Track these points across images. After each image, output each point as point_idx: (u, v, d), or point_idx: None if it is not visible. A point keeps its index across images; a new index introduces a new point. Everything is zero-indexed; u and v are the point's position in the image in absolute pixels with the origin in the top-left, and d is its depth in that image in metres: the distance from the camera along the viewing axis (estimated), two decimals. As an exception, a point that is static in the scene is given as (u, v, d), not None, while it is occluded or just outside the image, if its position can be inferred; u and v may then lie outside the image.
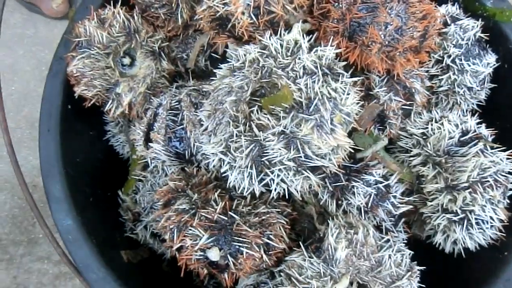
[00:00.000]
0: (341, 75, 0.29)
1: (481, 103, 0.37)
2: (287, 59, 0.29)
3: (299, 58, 0.29)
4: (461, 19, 0.35)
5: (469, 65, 0.34)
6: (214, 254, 0.29)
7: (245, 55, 0.31)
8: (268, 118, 0.29)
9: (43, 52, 0.81)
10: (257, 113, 0.30)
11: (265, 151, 0.29)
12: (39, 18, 0.82)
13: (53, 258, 0.71)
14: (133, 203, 0.39)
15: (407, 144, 0.35)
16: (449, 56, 0.34)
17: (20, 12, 0.83)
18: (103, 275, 0.31)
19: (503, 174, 0.30)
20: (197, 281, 0.43)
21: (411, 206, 0.33)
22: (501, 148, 0.31)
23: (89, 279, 0.32)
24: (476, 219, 0.31)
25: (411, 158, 0.34)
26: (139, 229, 0.38)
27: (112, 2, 0.37)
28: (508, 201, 0.32)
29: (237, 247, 0.29)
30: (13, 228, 0.73)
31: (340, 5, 0.31)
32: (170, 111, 0.35)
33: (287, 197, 0.34)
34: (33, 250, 0.72)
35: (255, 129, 0.29)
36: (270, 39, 0.31)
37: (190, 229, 0.29)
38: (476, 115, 0.35)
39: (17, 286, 0.70)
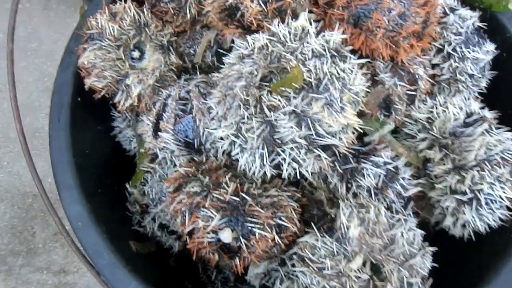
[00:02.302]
0: (348, 57, 0.30)
1: (482, 91, 0.38)
2: (296, 44, 0.30)
3: (308, 42, 0.30)
4: (460, 9, 0.37)
5: (470, 52, 0.35)
6: (226, 235, 0.29)
7: (253, 42, 0.32)
8: (278, 99, 0.29)
9: (45, 64, 0.82)
10: (267, 96, 0.30)
11: (276, 131, 0.29)
12: (43, 32, 0.84)
13: (53, 268, 0.70)
14: (141, 195, 0.38)
15: (412, 130, 0.35)
16: (450, 44, 0.36)
17: (25, 26, 0.85)
18: (112, 260, 0.31)
19: (510, 152, 0.31)
20: (204, 277, 0.42)
21: (420, 188, 0.33)
22: (506, 129, 0.32)
23: (98, 265, 0.31)
24: (485, 198, 0.31)
25: (417, 143, 0.34)
26: (147, 221, 0.38)
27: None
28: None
29: (249, 228, 0.29)
30: (12, 238, 0.72)
31: (346, -7, 0.32)
32: (179, 101, 0.36)
33: (297, 182, 0.35)
34: (32, 260, 0.70)
35: (266, 110, 0.29)
36: (278, 27, 0.32)
37: (203, 210, 0.29)
38: (479, 101, 0.36)
39: (16, 298, 0.68)
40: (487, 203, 0.31)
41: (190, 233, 0.30)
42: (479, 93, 0.38)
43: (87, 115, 0.39)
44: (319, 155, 0.29)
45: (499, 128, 0.32)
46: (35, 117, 0.78)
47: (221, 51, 0.39)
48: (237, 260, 0.31)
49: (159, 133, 0.36)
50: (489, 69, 0.38)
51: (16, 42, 0.84)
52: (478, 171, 0.30)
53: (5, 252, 0.71)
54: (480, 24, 0.37)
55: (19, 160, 0.75)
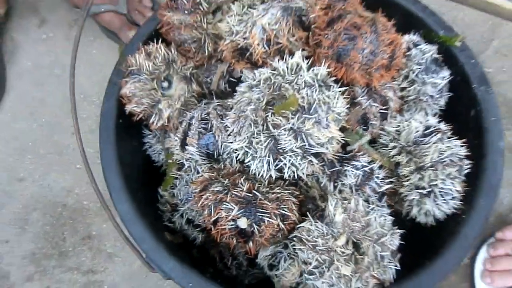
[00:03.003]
0: (332, 86, 0.40)
1: (442, 108, 0.48)
2: (292, 76, 0.40)
3: (301, 75, 0.40)
4: (421, 44, 0.47)
5: (429, 78, 0.46)
6: (243, 222, 0.39)
7: (260, 75, 0.42)
8: (280, 119, 0.39)
9: (68, 89, 0.92)
10: (271, 116, 0.40)
11: (279, 143, 0.39)
12: (65, 59, 0.94)
13: (82, 268, 0.79)
14: (170, 196, 0.48)
15: (385, 140, 0.45)
16: (413, 72, 0.46)
17: (49, 55, 0.95)
18: (155, 246, 0.41)
19: (457, 156, 0.41)
20: (221, 265, 0.52)
21: (391, 185, 0.43)
22: (455, 138, 0.42)
23: (143, 248, 0.41)
24: (439, 191, 0.41)
25: (389, 150, 0.44)
26: (176, 217, 0.48)
27: (154, 39, 0.48)
28: (464, 178, 0.42)
29: (260, 216, 0.39)
30: (45, 243, 0.81)
31: (329, 37, 0.42)
32: (201, 121, 0.46)
33: (296, 183, 0.45)
34: (64, 262, 0.79)
35: (270, 128, 0.39)
36: (278, 63, 0.42)
37: (224, 204, 0.39)
38: (437, 116, 0.46)
39: (49, 295, 0.77)
40: (441, 195, 0.41)
41: (215, 222, 0.40)
42: (440, 109, 0.49)
43: (126, 134, 0.49)
44: (311, 161, 0.39)
45: (450, 137, 0.42)
46: (62, 136, 0.87)
47: (232, 79, 0.50)
48: (250, 243, 0.41)
49: (186, 147, 0.46)
50: (446, 91, 0.48)
51: (42, 69, 0.95)
52: (433, 170, 0.40)
53: (39, 256, 0.80)
54: (437, 56, 0.47)
55: (48, 174, 0.85)
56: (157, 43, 0.48)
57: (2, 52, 0.94)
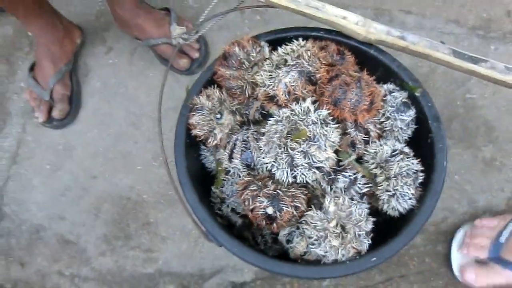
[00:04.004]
0: (329, 123, 0.64)
1: (410, 136, 0.72)
2: (304, 116, 0.64)
3: (309, 116, 0.64)
4: (394, 92, 0.70)
5: (399, 116, 0.69)
6: (270, 210, 0.63)
7: (282, 114, 0.66)
8: (295, 144, 0.64)
9: (130, 105, 1.16)
10: (290, 142, 0.65)
11: (294, 160, 0.63)
12: (128, 81, 1.20)
13: (142, 247, 1.05)
14: (220, 192, 0.74)
15: (367, 158, 0.69)
16: (388, 111, 0.69)
17: (115, 77, 1.21)
18: (212, 224, 0.66)
19: (413, 170, 0.64)
20: (252, 242, 0.76)
21: (369, 189, 0.66)
22: (413, 157, 0.65)
23: (205, 226, 0.66)
24: (400, 193, 0.64)
25: (370, 165, 0.68)
26: (224, 207, 0.73)
27: (212, 84, 0.73)
28: (419, 185, 0.65)
29: (281, 206, 0.63)
30: (114, 228, 1.07)
31: (329, 89, 0.66)
32: (243, 142, 0.71)
33: (306, 186, 0.69)
34: (128, 242, 1.06)
35: (289, 150, 0.63)
36: (295, 106, 0.66)
37: (258, 198, 0.64)
38: (406, 142, 0.69)
39: (118, 267, 1.04)
40: (401, 196, 0.64)
41: (252, 210, 0.65)
42: (409, 137, 0.72)
43: (190, 149, 0.74)
44: (315, 172, 0.63)
45: (409, 157, 0.65)
46: (126, 144, 1.13)
47: (263, 112, 0.74)
48: (274, 224, 0.65)
49: (232, 160, 0.71)
50: (413, 124, 0.71)
51: (109, 88, 1.21)
52: (395, 179, 0.64)
53: (109, 237, 1.06)
54: (406, 100, 0.71)
55: (116, 174, 1.11)
56: (213, 87, 0.73)
57: (78, 74, 1.21)
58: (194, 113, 0.71)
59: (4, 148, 1.17)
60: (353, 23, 0.73)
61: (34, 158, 1.15)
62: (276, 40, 0.75)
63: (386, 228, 0.67)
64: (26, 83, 1.18)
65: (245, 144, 0.70)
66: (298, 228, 0.68)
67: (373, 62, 0.74)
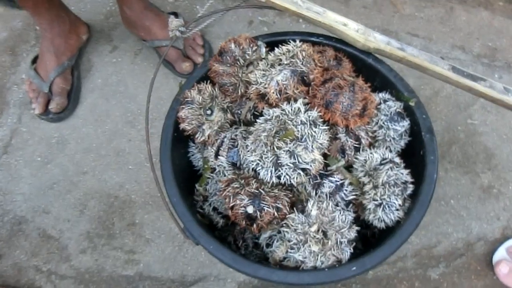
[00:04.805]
0: (319, 125, 0.63)
1: (403, 147, 0.70)
2: (293, 116, 0.63)
3: (299, 116, 0.63)
4: (388, 101, 0.69)
5: (392, 126, 0.68)
6: (250, 208, 0.61)
7: (273, 113, 0.65)
8: (282, 144, 0.62)
9: (129, 103, 1.16)
10: (277, 141, 0.63)
11: (279, 159, 0.61)
12: (129, 80, 1.21)
13: (125, 248, 1.03)
14: (204, 190, 0.72)
15: (357, 166, 0.67)
16: (381, 120, 0.68)
17: (116, 75, 1.22)
18: (190, 220, 0.64)
19: (401, 180, 0.62)
20: (233, 246, 0.74)
21: (355, 197, 0.64)
22: (403, 168, 0.64)
23: (183, 221, 0.64)
24: (387, 203, 0.62)
25: (359, 173, 0.66)
26: (206, 206, 0.71)
27: (206, 80, 0.73)
28: (407, 197, 0.63)
29: (262, 206, 0.61)
30: (98, 225, 1.05)
31: (322, 91, 0.65)
32: (231, 140, 0.69)
33: (291, 189, 0.67)
34: (111, 241, 1.03)
35: (275, 149, 0.62)
36: (285, 106, 0.65)
37: (239, 195, 0.62)
38: (398, 152, 0.67)
39: (97, 267, 1.01)
40: (388, 207, 0.62)
41: (232, 207, 0.63)
42: (401, 149, 0.70)
43: (178, 143, 0.73)
44: (300, 173, 0.62)
45: (399, 167, 0.64)
46: (120, 142, 1.12)
47: (255, 113, 0.73)
48: (254, 225, 0.63)
49: (218, 157, 0.70)
50: (406, 136, 0.70)
51: (109, 86, 1.21)
52: (383, 188, 0.62)
53: (92, 234, 1.04)
54: (400, 110, 0.69)
55: (106, 171, 1.10)
56: (206, 83, 0.73)
57: (80, 70, 1.22)
58: (183, 107, 0.71)
59: (-2, 137, 1.16)
60: (353, 30, 0.73)
61: (26, 149, 1.14)
62: (275, 42, 0.75)
63: (374, 243, 0.65)
64: (27, 74, 1.19)
65: (233, 142, 0.69)
66: (279, 232, 0.65)
67: (370, 70, 0.73)
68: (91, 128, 1.15)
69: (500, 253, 0.86)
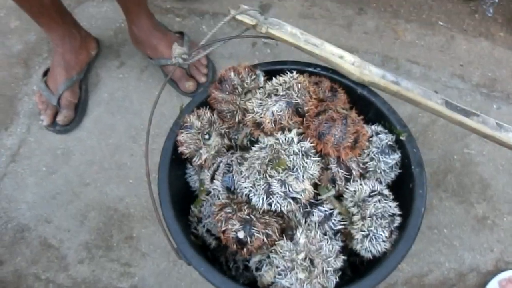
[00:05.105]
0: (311, 156, 0.65)
1: (393, 179, 0.72)
2: (286, 146, 0.66)
3: (292, 146, 0.66)
4: (381, 134, 0.72)
5: (383, 158, 0.70)
6: (241, 234, 0.64)
7: (267, 141, 0.68)
8: (274, 172, 0.65)
9: (133, 119, 1.19)
10: (270, 170, 0.66)
11: (271, 187, 0.64)
12: (134, 96, 1.24)
13: (121, 261, 1.05)
14: (198, 212, 0.74)
15: (347, 196, 0.69)
16: (372, 152, 0.70)
17: (122, 90, 1.25)
18: (183, 240, 0.66)
19: (389, 212, 0.64)
20: (225, 267, 0.76)
21: (343, 227, 0.66)
22: (391, 200, 0.66)
23: (176, 241, 0.66)
24: (374, 235, 0.64)
25: (348, 203, 0.68)
26: (200, 227, 0.74)
27: (205, 106, 0.76)
28: (394, 229, 0.65)
29: (252, 231, 0.63)
30: (97, 236, 1.08)
31: (315, 123, 0.68)
32: (227, 165, 0.72)
33: (282, 216, 0.69)
34: (108, 253, 1.06)
35: (268, 177, 0.64)
36: (279, 135, 0.67)
37: (231, 220, 0.64)
38: (388, 185, 0.70)
39: (94, 277, 1.04)
40: (375, 238, 0.64)
41: (224, 232, 0.65)
42: (391, 180, 0.72)
43: (176, 165, 0.76)
44: (290, 202, 0.64)
45: (387, 199, 0.66)
46: (122, 156, 1.16)
47: (252, 139, 0.76)
48: (245, 249, 0.65)
49: (214, 181, 0.72)
50: (396, 168, 0.72)
51: (115, 101, 1.25)
52: (370, 220, 0.64)
53: (91, 245, 1.07)
54: (391, 143, 0.72)
55: (108, 184, 1.13)
56: (205, 109, 0.75)
57: (88, 83, 1.26)
58: (183, 131, 0.73)
59: (6, 146, 1.20)
60: (349, 62, 0.75)
61: (33, 159, 1.18)
62: (274, 71, 0.78)
63: (363, 270, 0.67)
64: (37, 86, 1.23)
65: (228, 167, 0.72)
66: (268, 257, 0.68)
67: (365, 103, 0.76)
68: (96, 140, 1.19)
69: (492, 286, 0.87)
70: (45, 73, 1.22)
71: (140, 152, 1.15)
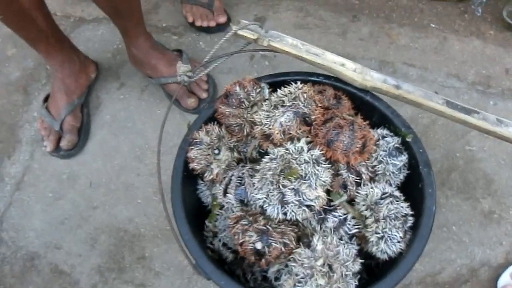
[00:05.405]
0: (321, 163, 0.67)
1: (402, 180, 0.74)
2: (297, 155, 0.68)
3: (302, 155, 0.67)
4: (387, 137, 0.74)
5: (391, 161, 0.72)
6: (259, 245, 0.65)
7: (277, 152, 0.70)
8: (287, 182, 0.66)
9: (137, 139, 1.21)
10: (282, 179, 0.67)
11: (285, 197, 0.65)
12: (136, 115, 1.26)
13: (135, 282, 1.06)
14: (213, 226, 0.76)
15: (359, 200, 0.71)
16: (380, 155, 0.72)
17: (124, 111, 1.27)
18: (202, 256, 0.68)
19: (401, 213, 0.66)
20: (242, 279, 0.78)
21: (358, 230, 0.68)
22: (402, 201, 0.68)
23: (195, 257, 0.68)
24: (389, 236, 0.66)
25: (361, 207, 0.70)
26: (216, 241, 0.75)
27: (213, 121, 0.78)
28: (408, 229, 0.67)
29: (270, 242, 0.65)
30: (109, 259, 1.08)
31: (323, 131, 0.70)
32: (238, 178, 0.74)
33: (297, 224, 0.71)
34: (121, 275, 1.07)
35: (281, 187, 0.66)
36: (289, 145, 0.69)
37: (248, 232, 0.66)
38: (398, 186, 0.72)
39: (108, 300, 1.04)
40: (390, 239, 0.66)
41: (241, 244, 0.67)
42: (400, 182, 0.74)
43: (188, 182, 0.77)
44: (305, 210, 0.65)
45: (399, 200, 0.68)
46: (129, 176, 1.17)
47: (260, 151, 0.78)
48: (263, 260, 0.67)
49: (226, 194, 0.74)
50: (404, 169, 0.74)
51: (118, 122, 1.26)
52: (384, 222, 0.66)
53: (103, 268, 1.08)
54: (398, 145, 0.74)
55: (116, 205, 1.14)
56: (213, 124, 0.77)
57: (89, 107, 1.28)
58: (192, 147, 0.75)
59: (10, 174, 1.21)
60: (351, 70, 0.78)
61: (38, 186, 1.19)
62: (277, 83, 0.80)
63: (378, 273, 0.68)
64: (39, 112, 1.24)
65: (240, 180, 0.73)
66: (286, 266, 0.69)
67: (369, 108, 0.78)
68: (101, 163, 1.20)
69: (505, 279, 0.88)
70: (46, 99, 1.24)
71: (146, 172, 1.16)
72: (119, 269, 1.07)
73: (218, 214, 0.76)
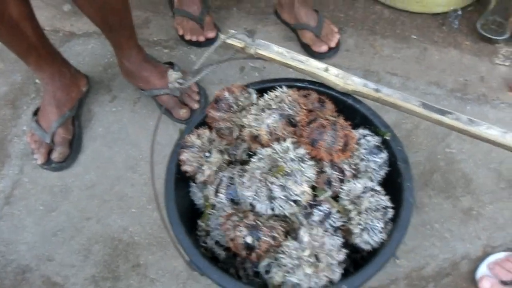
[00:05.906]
0: (306, 161, 0.73)
1: (383, 176, 0.81)
2: (283, 154, 0.74)
3: (288, 154, 0.74)
4: (367, 136, 0.81)
5: (372, 158, 0.79)
6: (249, 239, 0.71)
7: (265, 152, 0.76)
8: (274, 179, 0.72)
9: (130, 150, 1.24)
10: (270, 177, 0.74)
11: (273, 193, 0.71)
12: (130, 127, 1.31)
13: (129, 290, 1.10)
14: (206, 226, 0.81)
15: (343, 195, 0.77)
16: (362, 154, 0.79)
17: (117, 123, 1.32)
18: (196, 253, 0.73)
19: (382, 205, 0.73)
20: (235, 276, 0.83)
21: (342, 223, 0.74)
22: (383, 195, 0.74)
23: (189, 254, 0.73)
24: (370, 227, 0.72)
25: (345, 201, 0.76)
26: (208, 239, 0.81)
27: (204, 126, 0.84)
28: (388, 220, 0.73)
29: (259, 236, 0.71)
30: (103, 269, 1.12)
31: (307, 131, 0.77)
32: (229, 179, 0.80)
33: (285, 220, 0.77)
34: (117, 284, 1.10)
35: (269, 184, 0.72)
36: (276, 146, 0.76)
37: (239, 227, 0.71)
38: (379, 182, 0.79)
39: (103, 309, 1.08)
40: (372, 230, 0.72)
41: (232, 239, 0.72)
42: (381, 178, 0.81)
43: (180, 184, 0.83)
44: (291, 204, 0.72)
45: (379, 194, 0.74)
46: (122, 187, 1.21)
47: (250, 153, 0.84)
48: (253, 254, 0.72)
49: (218, 194, 0.80)
50: (385, 166, 0.81)
51: (111, 134, 1.31)
52: (366, 214, 0.72)
53: (98, 278, 1.11)
54: (378, 143, 0.81)
55: (110, 216, 1.18)
56: (204, 128, 0.84)
57: (80, 120, 1.33)
58: (184, 150, 0.81)
59: (-1, 189, 1.24)
60: (334, 75, 0.85)
61: (29, 199, 1.22)
62: (265, 88, 0.87)
63: (363, 265, 0.74)
64: (29, 126, 1.28)
65: (231, 181, 0.79)
66: (276, 259, 0.74)
67: (351, 110, 0.85)
68: (94, 174, 1.24)
69: (482, 270, 0.95)
70: (35, 112, 1.27)
71: (140, 181, 1.21)
72: (114, 278, 1.10)
73: (210, 214, 0.82)
